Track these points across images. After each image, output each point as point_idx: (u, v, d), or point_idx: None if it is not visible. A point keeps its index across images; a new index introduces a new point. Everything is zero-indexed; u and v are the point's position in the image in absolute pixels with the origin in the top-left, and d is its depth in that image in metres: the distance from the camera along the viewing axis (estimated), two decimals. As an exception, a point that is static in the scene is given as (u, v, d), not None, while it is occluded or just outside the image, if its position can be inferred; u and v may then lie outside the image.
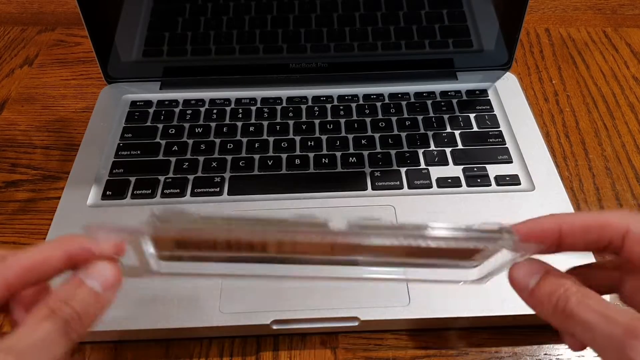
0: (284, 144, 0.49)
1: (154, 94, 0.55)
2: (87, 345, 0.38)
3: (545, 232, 0.26)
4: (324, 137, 0.50)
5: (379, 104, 0.53)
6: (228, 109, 0.53)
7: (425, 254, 0.26)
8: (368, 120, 0.52)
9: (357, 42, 0.55)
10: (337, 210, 0.44)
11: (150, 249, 0.25)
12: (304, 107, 0.53)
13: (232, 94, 0.55)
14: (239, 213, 0.28)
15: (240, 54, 0.55)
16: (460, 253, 0.26)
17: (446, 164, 0.48)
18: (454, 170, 0.47)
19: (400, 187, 0.46)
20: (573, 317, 0.24)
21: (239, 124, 0.52)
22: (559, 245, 0.26)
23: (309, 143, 0.50)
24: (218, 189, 0.45)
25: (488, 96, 0.54)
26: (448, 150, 0.49)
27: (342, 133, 0.51)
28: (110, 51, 0.54)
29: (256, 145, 0.49)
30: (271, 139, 0.50)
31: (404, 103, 0.54)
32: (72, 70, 0.62)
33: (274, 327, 0.37)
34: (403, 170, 0.47)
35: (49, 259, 0.25)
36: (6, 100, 0.58)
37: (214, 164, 0.48)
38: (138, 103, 0.54)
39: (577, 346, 0.26)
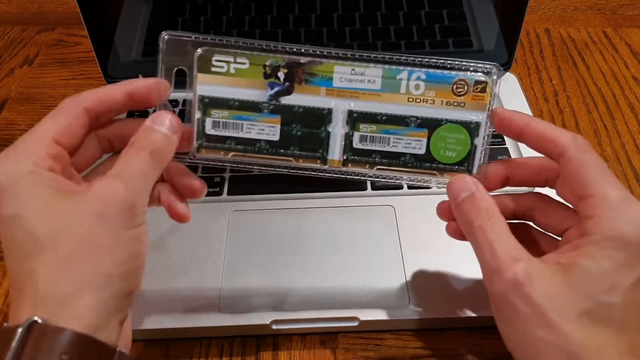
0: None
1: (154, 93, 0.55)
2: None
3: (513, 124, 0.31)
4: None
5: (378, 104, 0.53)
6: (228, 109, 0.53)
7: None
8: (368, 120, 0.52)
9: (357, 42, 0.55)
10: (336, 210, 0.44)
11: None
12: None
13: (232, 93, 0.55)
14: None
15: (240, 53, 0.55)
16: None
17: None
18: (453, 170, 0.47)
19: (400, 187, 0.46)
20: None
21: (239, 124, 0.52)
22: (518, 137, 0.32)
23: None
24: (218, 188, 0.46)
25: (488, 96, 0.54)
26: (448, 150, 0.49)
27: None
28: (110, 51, 0.54)
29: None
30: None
31: (403, 103, 0.54)
32: (72, 70, 0.62)
33: (274, 327, 0.37)
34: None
35: (113, 95, 0.30)
36: (6, 100, 0.58)
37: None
38: (138, 103, 0.54)
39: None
